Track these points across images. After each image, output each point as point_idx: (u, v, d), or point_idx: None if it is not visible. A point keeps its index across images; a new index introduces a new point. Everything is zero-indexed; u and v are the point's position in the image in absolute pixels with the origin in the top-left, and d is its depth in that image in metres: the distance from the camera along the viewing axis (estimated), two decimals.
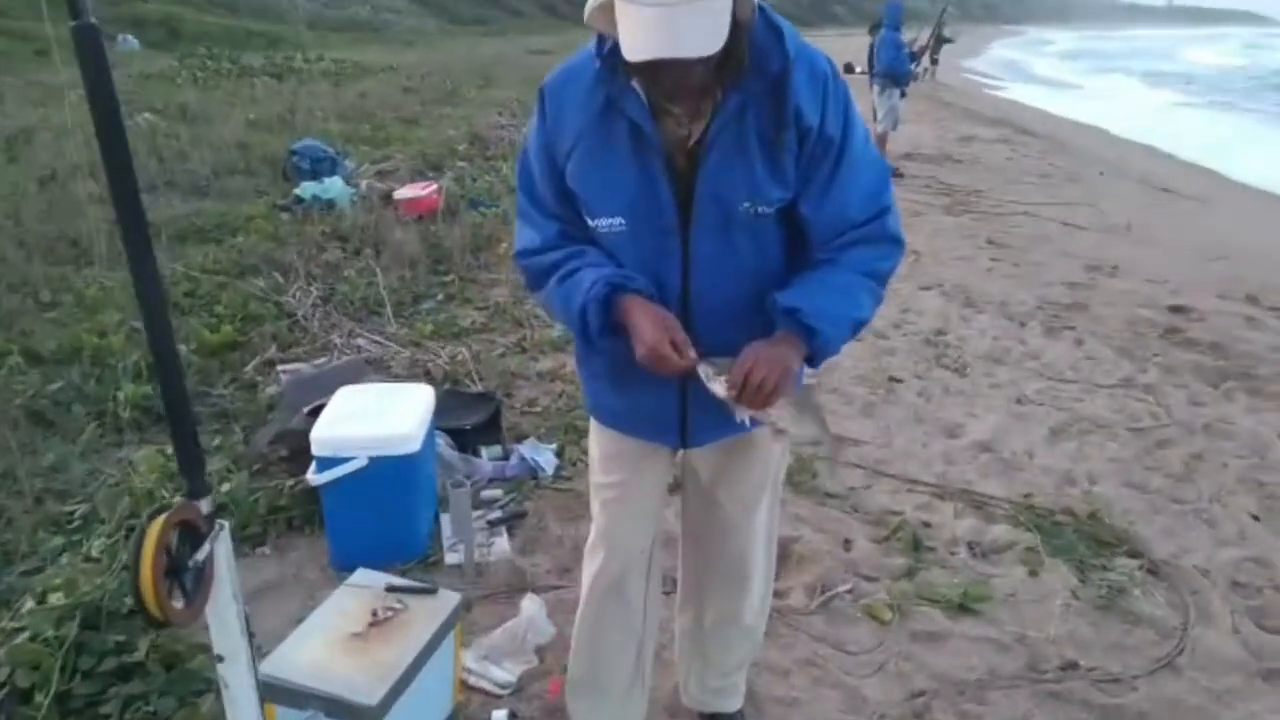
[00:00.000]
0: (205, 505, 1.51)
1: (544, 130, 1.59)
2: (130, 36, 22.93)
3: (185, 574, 1.44)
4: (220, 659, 1.57)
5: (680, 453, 1.86)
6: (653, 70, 1.38)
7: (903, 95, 10.22)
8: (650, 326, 1.51)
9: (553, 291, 1.62)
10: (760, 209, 1.53)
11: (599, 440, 1.90)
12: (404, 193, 7.10)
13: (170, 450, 3.26)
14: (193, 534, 1.47)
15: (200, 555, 1.46)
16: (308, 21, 30.66)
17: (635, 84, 1.48)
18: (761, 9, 1.47)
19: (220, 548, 1.52)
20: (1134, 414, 4.18)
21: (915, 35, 12.49)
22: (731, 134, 1.49)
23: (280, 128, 10.07)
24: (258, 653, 2.44)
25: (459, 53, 26.37)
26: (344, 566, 2.77)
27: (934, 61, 11.44)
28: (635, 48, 1.33)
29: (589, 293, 1.54)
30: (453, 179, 8.00)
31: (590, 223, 1.60)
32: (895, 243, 1.62)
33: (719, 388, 1.52)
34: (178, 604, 1.43)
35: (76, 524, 2.87)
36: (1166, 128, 18.12)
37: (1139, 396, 4.38)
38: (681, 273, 1.58)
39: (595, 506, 1.93)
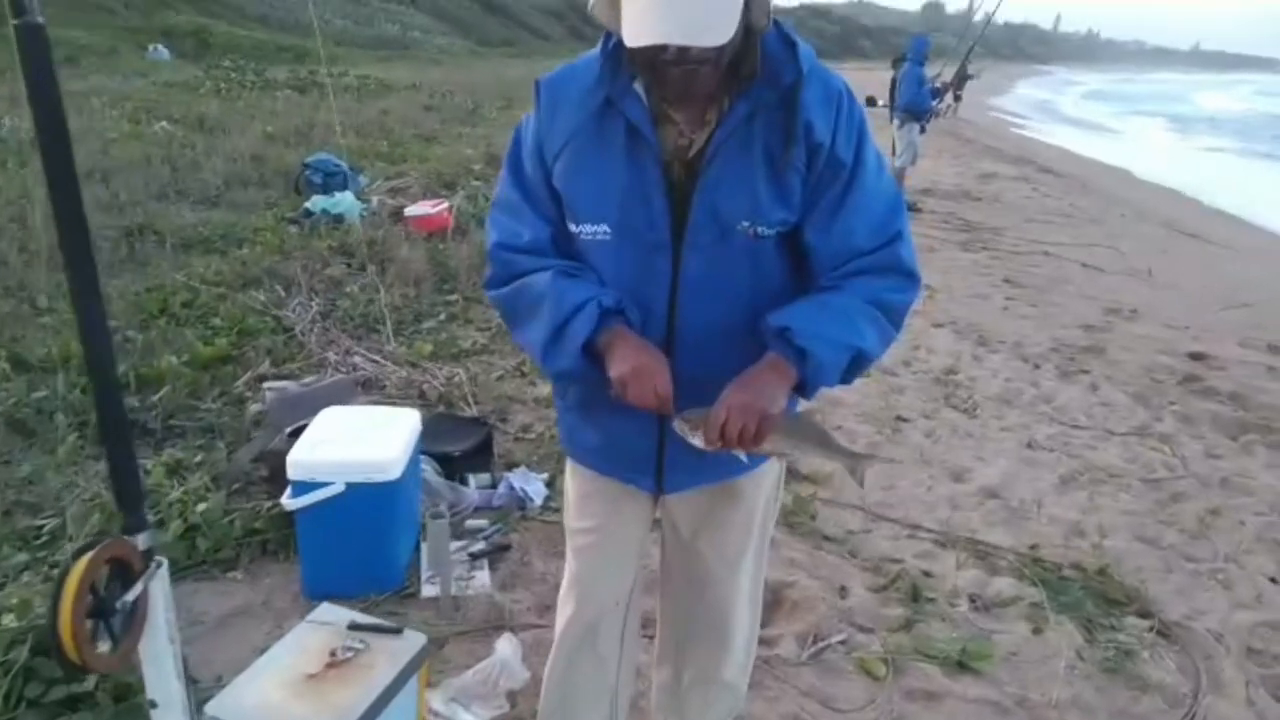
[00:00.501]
0: (143, 540, 1.42)
1: (538, 126, 1.50)
2: (160, 46, 23.28)
3: (113, 616, 1.34)
4: (154, 705, 1.47)
5: (660, 499, 1.76)
6: (657, 66, 1.30)
7: (922, 131, 10.14)
8: (641, 351, 1.42)
9: (537, 284, 1.48)
10: (760, 229, 1.43)
11: (575, 480, 1.79)
12: (414, 210, 7.07)
13: (150, 466, 3.19)
14: (125, 571, 1.38)
15: (131, 595, 1.36)
16: (336, 38, 31.01)
17: (638, 85, 1.40)
18: (778, 23, 1.40)
19: (156, 586, 1.42)
20: (1148, 464, 4.04)
21: (939, 71, 12.43)
22: (736, 146, 1.39)
23: (297, 141, 10.09)
24: (216, 683, 2.35)
25: (484, 73, 26.58)
26: (316, 595, 2.66)
27: (957, 98, 11.35)
28: (638, 32, 1.25)
29: (594, 298, 1.43)
30: (465, 197, 7.96)
31: (573, 228, 1.49)
32: (908, 276, 1.49)
33: (698, 441, 1.42)
34: (103, 647, 1.34)
35: (44, 539, 2.78)
36: (1189, 172, 18.02)
37: (1154, 446, 4.23)
38: (669, 294, 1.47)
39: (569, 552, 1.82)
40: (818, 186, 1.43)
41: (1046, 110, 36.31)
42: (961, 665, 2.58)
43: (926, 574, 3.03)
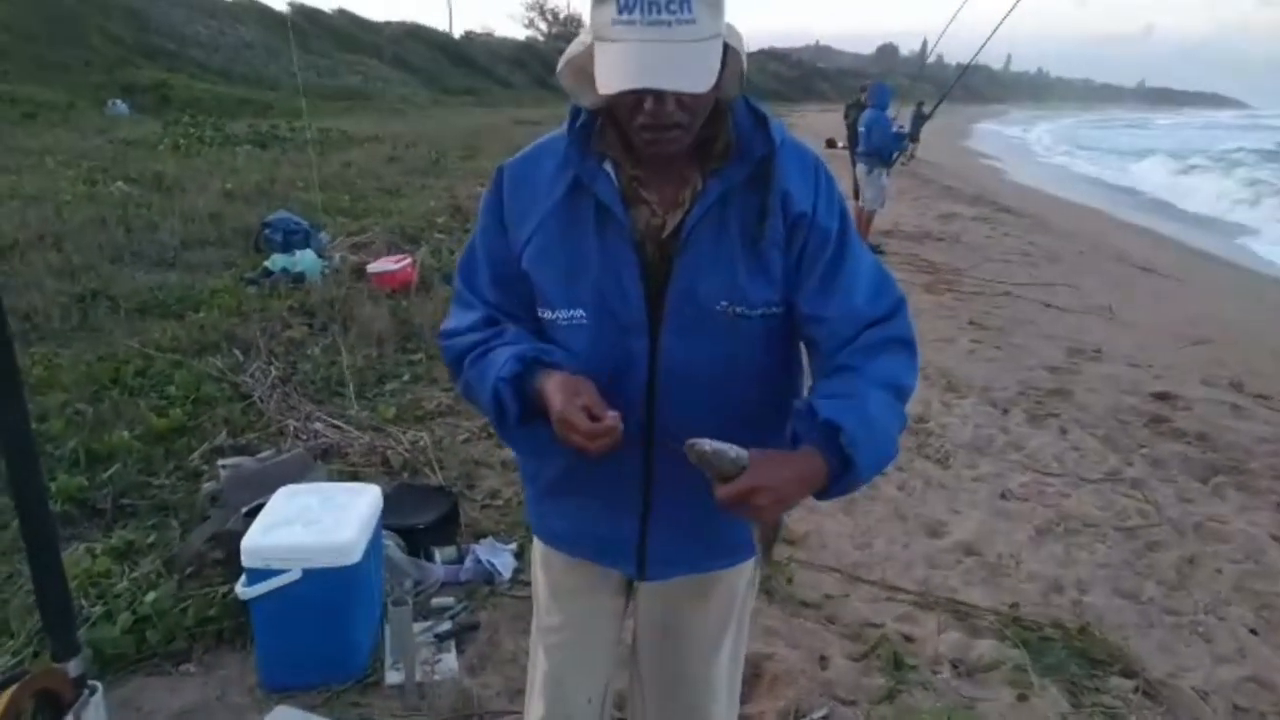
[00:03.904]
0: (74, 666, 1.32)
1: (498, 213, 1.45)
2: (119, 102, 23.08)
3: None
4: None
5: (635, 585, 1.68)
6: (628, 128, 1.28)
7: (887, 174, 10.30)
8: (557, 391, 1.30)
9: (467, 376, 1.43)
10: (738, 309, 1.37)
11: (545, 568, 1.71)
12: (377, 266, 6.98)
13: (98, 552, 3.05)
14: (54, 702, 1.28)
15: None
16: (297, 89, 31.01)
17: (607, 165, 1.37)
18: (746, 98, 1.38)
19: (90, 715, 1.32)
20: (1122, 511, 4.02)
21: (895, 114, 12.67)
22: (711, 226, 1.35)
23: (258, 198, 9.97)
24: None
25: (447, 122, 26.66)
26: (274, 687, 2.55)
27: (915, 140, 11.58)
28: (611, 79, 1.21)
29: (501, 370, 1.35)
30: (429, 251, 7.89)
31: (549, 315, 1.43)
32: (914, 351, 1.43)
33: (710, 468, 1.25)
34: None
35: None
36: (1144, 204, 18.59)
37: (1126, 492, 4.22)
38: (648, 378, 1.41)
39: (539, 648, 1.73)
40: (804, 258, 1.39)
41: (1004, 148, 37.16)
42: None
43: (907, 639, 2.96)
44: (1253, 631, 3.12)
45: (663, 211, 1.39)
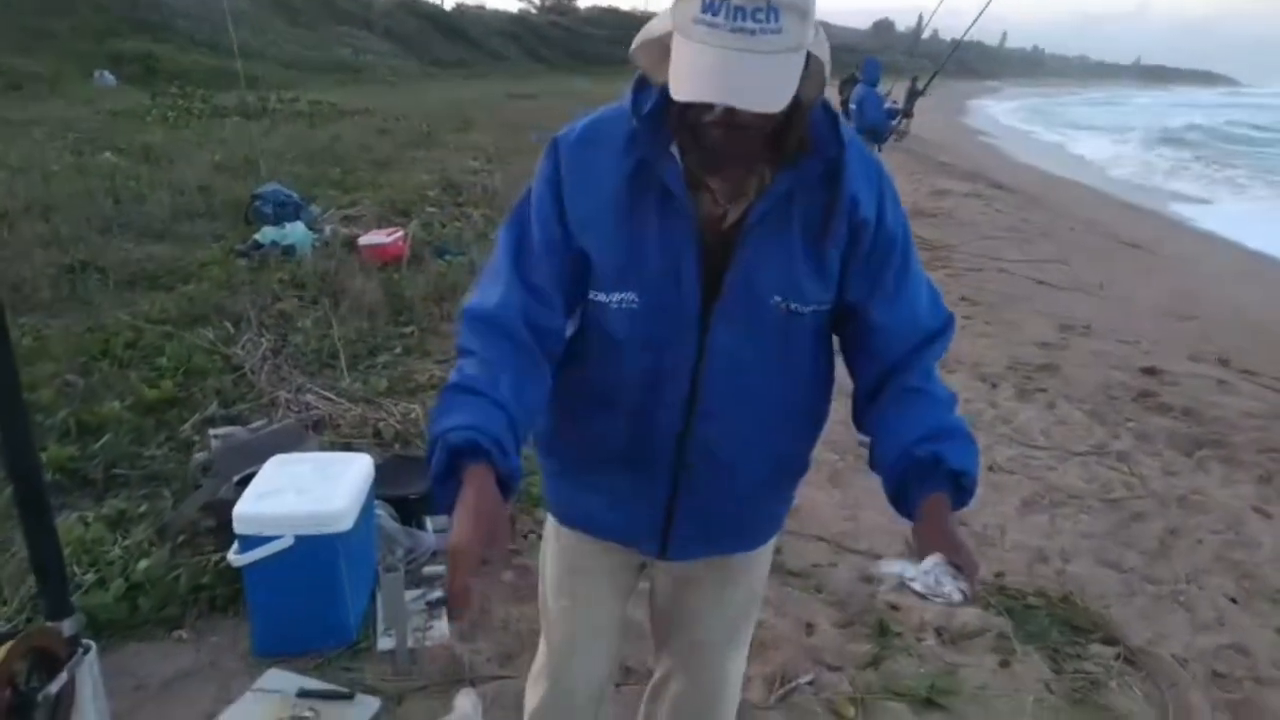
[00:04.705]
0: (68, 626, 1.34)
1: (556, 189, 1.37)
2: (107, 73, 22.83)
3: (35, 710, 1.26)
4: None
5: (649, 566, 1.70)
6: (698, 125, 1.22)
7: (879, 150, 10.32)
8: (471, 515, 1.15)
9: (449, 384, 1.31)
10: (793, 306, 1.36)
11: (559, 548, 1.69)
12: (368, 239, 6.96)
13: (90, 520, 3.07)
14: (49, 660, 1.29)
15: (55, 686, 1.28)
16: (287, 62, 30.69)
17: (674, 149, 1.31)
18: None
19: (84, 673, 1.34)
20: (1107, 484, 4.06)
21: (889, 89, 12.64)
22: (774, 221, 1.33)
23: (247, 170, 9.90)
24: None
25: (440, 95, 26.41)
26: (266, 653, 2.58)
27: (908, 116, 11.57)
28: (687, 87, 1.15)
29: (451, 431, 1.20)
30: (420, 225, 7.86)
31: (601, 298, 1.38)
32: None
33: (949, 588, 1.22)
34: None
35: None
36: (1138, 182, 18.64)
37: (1112, 465, 4.26)
38: (693, 366, 1.39)
39: (548, 626, 1.75)
40: (871, 263, 1.37)
41: (996, 125, 37.11)
42: (930, 702, 2.55)
43: (893, 607, 3.00)
44: (1232, 600, 3.17)
45: (725, 200, 1.35)
